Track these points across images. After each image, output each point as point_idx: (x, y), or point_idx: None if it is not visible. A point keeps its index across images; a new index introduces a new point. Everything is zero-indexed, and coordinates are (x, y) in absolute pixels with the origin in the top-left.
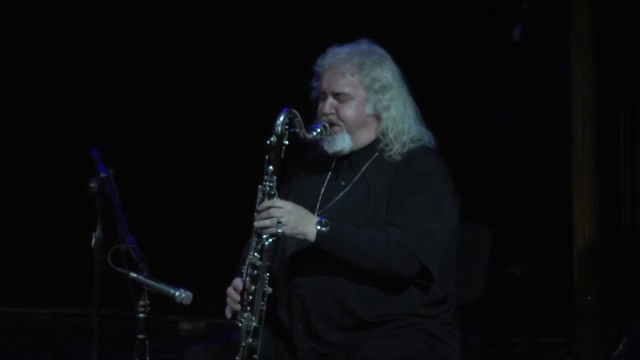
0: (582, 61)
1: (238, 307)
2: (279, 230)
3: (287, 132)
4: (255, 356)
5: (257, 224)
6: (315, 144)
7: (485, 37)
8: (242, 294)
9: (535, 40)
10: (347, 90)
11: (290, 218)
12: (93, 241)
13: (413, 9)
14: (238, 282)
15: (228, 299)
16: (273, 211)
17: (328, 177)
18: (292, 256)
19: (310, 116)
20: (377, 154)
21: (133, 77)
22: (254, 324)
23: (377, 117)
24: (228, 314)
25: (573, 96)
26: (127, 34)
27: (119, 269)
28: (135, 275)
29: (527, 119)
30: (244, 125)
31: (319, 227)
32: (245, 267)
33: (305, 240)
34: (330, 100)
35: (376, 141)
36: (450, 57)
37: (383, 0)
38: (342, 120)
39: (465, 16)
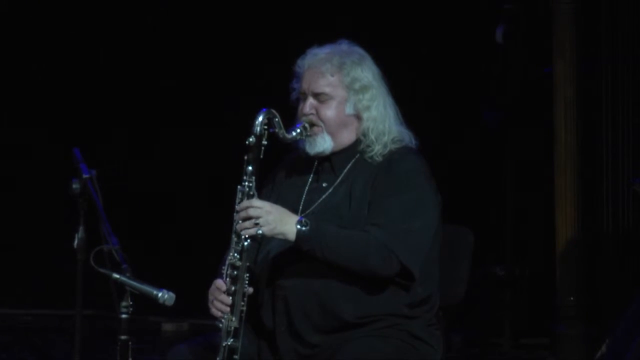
0: (565, 62)
1: (225, 308)
2: (258, 232)
3: (266, 132)
4: (235, 357)
5: (237, 226)
6: (296, 145)
7: (467, 38)
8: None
9: (518, 41)
10: (327, 90)
11: (269, 218)
12: (76, 242)
13: (395, 9)
14: (221, 283)
15: (215, 301)
16: (251, 211)
17: (310, 179)
18: (275, 257)
19: (291, 117)
20: (358, 154)
21: (117, 78)
22: (235, 324)
23: (358, 117)
24: (218, 314)
25: (556, 97)
26: (107, 34)
27: (102, 270)
28: (117, 276)
29: (509, 119)
30: (223, 125)
31: (298, 227)
32: (225, 268)
33: (286, 241)
34: (311, 100)
35: (357, 142)
36: (433, 58)
37: (365, 0)
38: (322, 120)
39: (448, 17)
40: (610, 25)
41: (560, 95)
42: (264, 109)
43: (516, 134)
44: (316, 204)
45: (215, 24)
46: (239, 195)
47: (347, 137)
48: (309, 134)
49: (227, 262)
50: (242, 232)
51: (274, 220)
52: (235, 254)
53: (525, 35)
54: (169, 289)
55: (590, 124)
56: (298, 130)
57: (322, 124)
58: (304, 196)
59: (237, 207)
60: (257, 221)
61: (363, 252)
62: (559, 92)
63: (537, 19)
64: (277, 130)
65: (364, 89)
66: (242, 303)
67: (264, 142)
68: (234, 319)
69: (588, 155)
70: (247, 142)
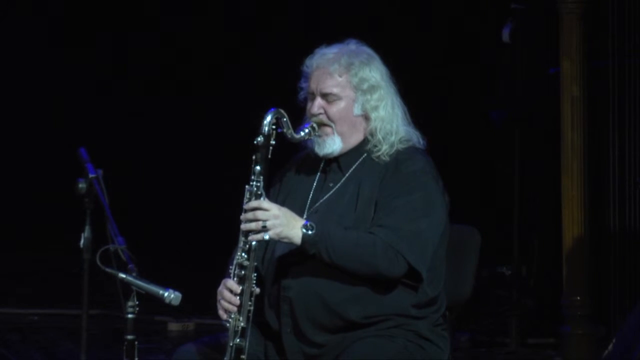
0: (572, 61)
1: (233, 308)
2: (265, 237)
3: (274, 132)
4: (242, 357)
5: (243, 226)
6: (304, 145)
7: (474, 37)
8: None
9: (525, 41)
10: (335, 90)
11: (276, 222)
12: (82, 242)
13: (402, 9)
14: (231, 283)
15: (222, 301)
16: (259, 214)
17: (317, 178)
18: (281, 258)
19: (299, 117)
20: (365, 154)
21: (123, 77)
22: (242, 324)
23: (366, 118)
24: (223, 315)
25: (562, 96)
26: (113, 32)
27: (108, 270)
28: (124, 275)
29: (516, 119)
30: (232, 125)
31: (304, 231)
32: (233, 267)
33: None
34: (319, 100)
35: (364, 141)
36: (440, 58)
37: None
38: (331, 120)
39: (455, 16)
40: (617, 24)
41: (567, 95)
42: (272, 109)
43: (523, 133)
44: (321, 203)
45: (222, 23)
46: (247, 195)
47: (355, 137)
48: (318, 134)
49: (234, 262)
50: (249, 238)
51: (280, 224)
52: (243, 254)
53: (532, 34)
54: (175, 289)
55: (597, 123)
56: (306, 131)
57: (331, 124)
58: (310, 196)
59: (245, 207)
60: (264, 224)
61: (369, 254)
62: (566, 92)
63: (544, 19)
64: (285, 130)
65: (372, 89)
66: (250, 303)
67: (272, 142)
68: (241, 318)
69: (594, 155)
70: (255, 142)
